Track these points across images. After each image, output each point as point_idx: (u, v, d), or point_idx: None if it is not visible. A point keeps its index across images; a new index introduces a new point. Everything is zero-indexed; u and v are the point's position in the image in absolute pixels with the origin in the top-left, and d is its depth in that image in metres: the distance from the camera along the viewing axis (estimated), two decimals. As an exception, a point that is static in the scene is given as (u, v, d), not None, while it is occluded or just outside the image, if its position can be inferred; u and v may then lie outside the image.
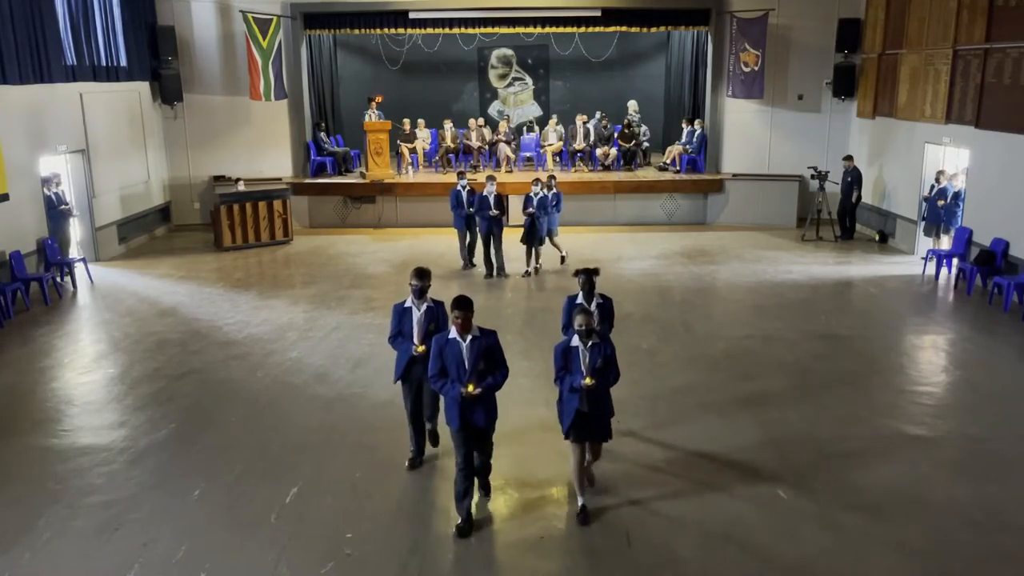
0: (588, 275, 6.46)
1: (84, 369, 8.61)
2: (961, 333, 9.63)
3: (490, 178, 11.84)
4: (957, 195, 12.21)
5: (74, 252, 12.54)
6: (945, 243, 12.52)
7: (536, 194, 11.85)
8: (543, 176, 12.83)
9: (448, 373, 5.41)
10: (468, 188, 12.12)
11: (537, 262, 12.24)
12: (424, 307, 6.09)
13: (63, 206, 12.15)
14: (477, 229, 12.17)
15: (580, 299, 6.44)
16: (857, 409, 7.40)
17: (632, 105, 18.05)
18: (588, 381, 5.38)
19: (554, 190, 12.11)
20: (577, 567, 5.14)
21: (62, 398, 7.84)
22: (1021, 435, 6.88)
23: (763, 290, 11.46)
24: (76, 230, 12.83)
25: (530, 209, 11.79)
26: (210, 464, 6.45)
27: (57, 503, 5.86)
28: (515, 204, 14.10)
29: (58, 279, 11.61)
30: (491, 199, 11.69)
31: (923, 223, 12.89)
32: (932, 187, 12.48)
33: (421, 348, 5.92)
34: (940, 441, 6.80)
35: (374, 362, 8.67)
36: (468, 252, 12.54)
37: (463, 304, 5.32)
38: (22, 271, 10.90)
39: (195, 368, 8.57)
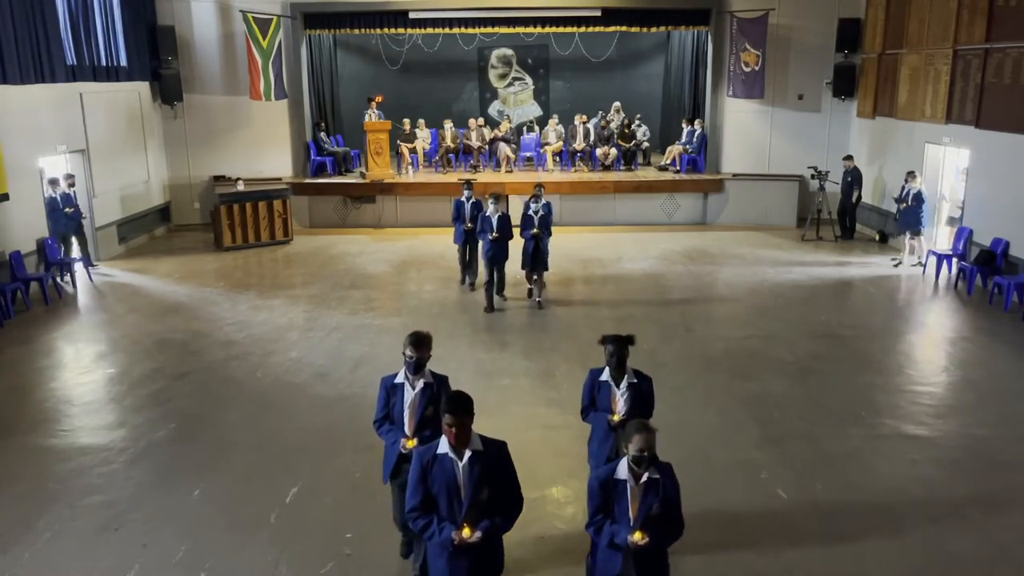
0: (619, 344, 4.92)
1: (84, 369, 8.61)
2: (961, 333, 9.62)
3: (492, 196, 10.32)
4: (918, 196, 12.29)
5: (75, 252, 12.54)
6: (916, 246, 12.62)
7: (536, 211, 10.42)
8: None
9: (434, 507, 3.75)
10: (472, 199, 11.02)
11: (539, 295, 10.64)
12: (420, 385, 4.65)
13: (68, 208, 12.04)
14: (479, 250, 10.77)
15: (607, 376, 4.99)
16: (857, 409, 7.40)
17: (615, 105, 18.04)
18: (638, 537, 3.72)
19: (542, 200, 10.70)
20: (577, 567, 5.13)
21: (62, 398, 7.83)
22: (1021, 435, 6.88)
23: (763, 290, 11.46)
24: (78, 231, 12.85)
25: (533, 230, 10.33)
26: (210, 464, 6.45)
27: (57, 503, 5.86)
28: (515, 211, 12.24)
29: (58, 279, 11.60)
30: (494, 220, 10.20)
31: (896, 226, 13.00)
32: (902, 188, 12.53)
33: (412, 443, 4.55)
34: (940, 441, 6.79)
35: (374, 362, 8.66)
36: (468, 270, 11.43)
37: (458, 406, 3.68)
38: (22, 271, 10.90)
39: (195, 368, 8.57)
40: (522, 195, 15.69)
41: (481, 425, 3.88)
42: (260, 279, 12.40)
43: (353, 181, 16.14)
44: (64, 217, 12.03)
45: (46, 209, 12.08)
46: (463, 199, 11.03)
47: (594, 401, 5.00)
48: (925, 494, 5.92)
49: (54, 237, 12.02)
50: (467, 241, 11.11)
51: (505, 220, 10.19)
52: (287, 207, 14.80)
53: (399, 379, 4.69)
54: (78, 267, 12.01)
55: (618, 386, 4.96)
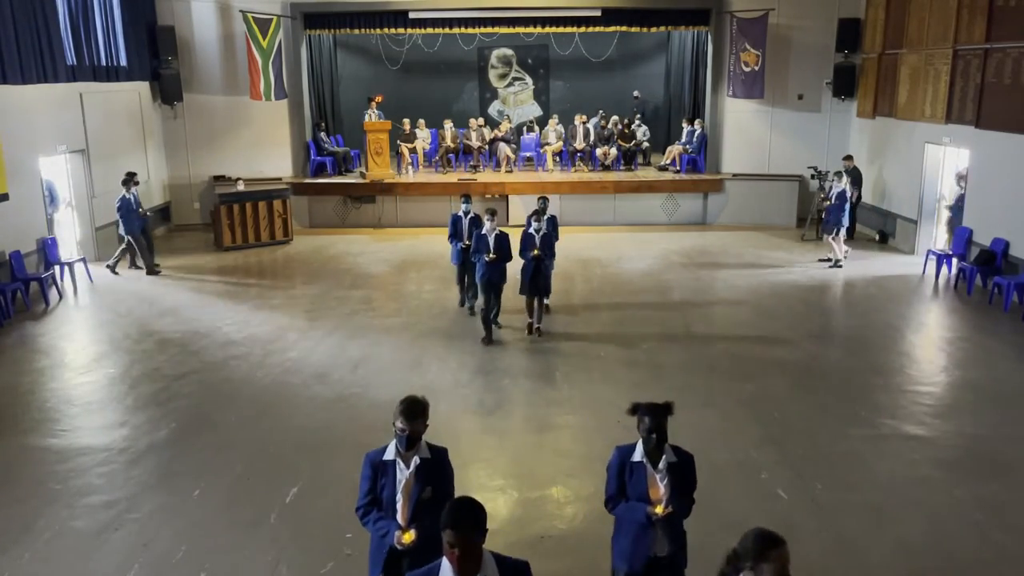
0: (656, 415, 3.90)
1: (84, 369, 8.61)
2: (961, 333, 9.62)
3: (488, 212, 9.09)
4: (842, 195, 12.34)
5: (74, 252, 12.55)
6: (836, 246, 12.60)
7: (539, 229, 9.24)
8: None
9: None
10: (471, 214, 9.94)
11: (539, 321, 9.48)
12: (415, 462, 3.80)
13: (142, 209, 12.51)
14: (475, 273, 9.42)
15: (640, 456, 4.00)
16: (857, 409, 7.40)
17: (600, 113, 18.04)
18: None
19: (547, 215, 9.65)
20: (577, 567, 5.14)
21: (62, 398, 7.83)
22: (1021, 435, 6.88)
23: (763, 290, 11.46)
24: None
25: (534, 251, 9.12)
26: (210, 464, 6.44)
27: (57, 503, 5.86)
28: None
29: (58, 279, 11.60)
30: (490, 239, 9.00)
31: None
32: (829, 187, 12.58)
33: (409, 537, 3.73)
34: (940, 441, 6.79)
35: (374, 362, 8.67)
36: (466, 293, 10.35)
37: (461, 520, 2.83)
38: (22, 271, 10.90)
39: (195, 368, 8.57)
40: (522, 195, 15.75)
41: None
42: (260, 279, 12.40)
43: (353, 181, 16.14)
44: (137, 218, 12.32)
45: (121, 209, 12.27)
46: (460, 213, 9.95)
47: (624, 488, 4.02)
48: (925, 494, 5.92)
49: (129, 237, 12.35)
50: (465, 260, 9.90)
51: (503, 240, 9.02)
52: (287, 207, 14.80)
53: (388, 455, 3.83)
54: (78, 267, 12.01)
55: (656, 467, 3.95)
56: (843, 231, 12.55)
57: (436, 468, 3.83)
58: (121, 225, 12.44)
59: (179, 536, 5.42)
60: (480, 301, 9.43)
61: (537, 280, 9.22)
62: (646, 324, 9.92)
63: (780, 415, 7.28)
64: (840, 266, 12.55)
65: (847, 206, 12.44)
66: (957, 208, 12.26)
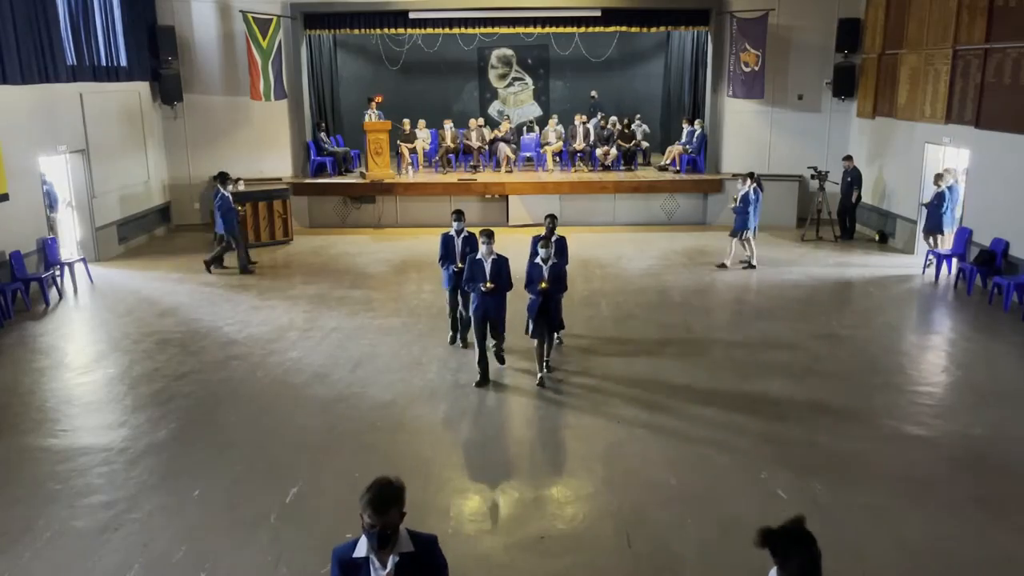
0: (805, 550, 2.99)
1: (84, 369, 8.61)
2: (961, 333, 9.63)
3: (484, 235, 7.86)
4: (745, 198, 12.28)
5: (74, 252, 12.55)
6: (735, 246, 12.54)
7: (547, 258, 7.88)
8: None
9: None
10: (464, 233, 8.67)
11: (548, 368, 8.14)
12: (393, 560, 3.08)
13: (239, 208, 12.70)
14: (470, 303, 8.19)
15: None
16: (857, 409, 7.40)
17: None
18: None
19: (554, 239, 8.42)
20: (577, 567, 5.14)
21: (62, 398, 7.83)
22: (1021, 435, 6.88)
23: (763, 290, 11.46)
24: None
25: (541, 284, 7.79)
26: (210, 464, 6.45)
27: (57, 503, 5.86)
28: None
29: (58, 279, 11.59)
30: (487, 265, 7.80)
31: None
32: (745, 195, 12.45)
33: None
34: (940, 441, 6.79)
35: (374, 362, 8.67)
36: (459, 326, 9.06)
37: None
38: (22, 271, 10.90)
39: (195, 368, 8.57)
40: (523, 195, 15.76)
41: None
42: (260, 279, 12.40)
43: (353, 181, 16.14)
44: (236, 216, 12.37)
45: (221, 207, 12.29)
46: (452, 233, 8.71)
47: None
48: (925, 494, 5.92)
49: (227, 236, 12.40)
50: (458, 285, 8.62)
51: (502, 266, 7.83)
52: (287, 207, 14.80)
53: (360, 551, 3.09)
54: (78, 267, 12.01)
55: None
56: (750, 232, 12.42)
57: (422, 566, 3.11)
58: (219, 223, 12.48)
59: (179, 536, 5.42)
60: (473, 335, 8.12)
61: (547, 317, 7.88)
62: (646, 323, 9.92)
63: (780, 415, 7.28)
64: (753, 267, 12.51)
65: (751, 209, 12.29)
66: (934, 206, 12.21)
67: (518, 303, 8.56)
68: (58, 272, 11.62)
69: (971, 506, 5.74)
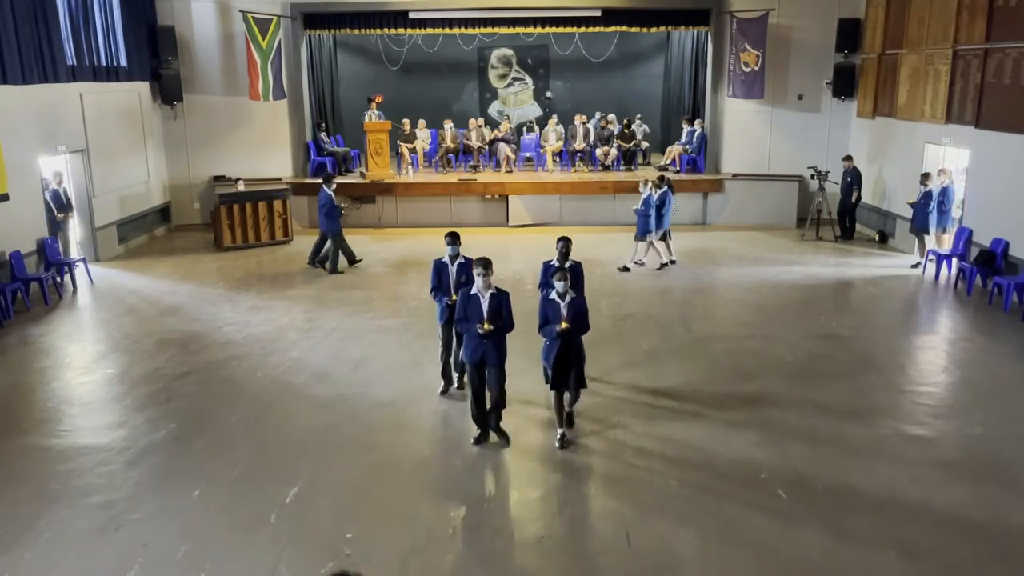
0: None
1: (84, 369, 8.61)
2: (961, 333, 9.63)
3: (481, 265, 6.47)
4: (647, 200, 12.23)
5: (74, 252, 12.55)
6: (645, 248, 12.47)
7: (564, 292, 6.47)
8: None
9: None
10: (460, 260, 7.44)
11: (571, 423, 6.91)
12: None
13: (344, 206, 12.70)
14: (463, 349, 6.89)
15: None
16: (857, 409, 7.40)
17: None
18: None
19: (569, 261, 7.36)
20: (577, 567, 5.14)
21: (62, 398, 7.84)
22: (1021, 435, 6.88)
23: (763, 290, 11.46)
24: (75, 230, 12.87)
25: (560, 325, 6.42)
26: (210, 464, 6.45)
27: (57, 503, 5.86)
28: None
29: (58, 279, 11.60)
30: (484, 302, 6.47)
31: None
32: (649, 194, 12.34)
33: None
34: (940, 441, 6.79)
35: (374, 362, 8.67)
36: (451, 371, 7.78)
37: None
38: (22, 271, 10.90)
39: (195, 368, 8.57)
40: (523, 195, 15.76)
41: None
42: (260, 279, 12.40)
43: (353, 181, 16.14)
44: (340, 215, 12.35)
45: (325, 206, 12.26)
46: (445, 259, 7.49)
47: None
48: (925, 494, 5.92)
49: (330, 235, 12.38)
50: (452, 319, 7.22)
51: (502, 302, 6.50)
52: (287, 207, 14.80)
53: None
54: (78, 267, 12.01)
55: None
56: (653, 236, 12.38)
57: None
58: (323, 222, 12.47)
59: (179, 536, 5.42)
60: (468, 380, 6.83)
61: (568, 362, 6.52)
62: (646, 323, 9.92)
63: (780, 415, 7.28)
64: (666, 265, 12.53)
65: (652, 211, 12.23)
66: (920, 205, 12.22)
67: (526, 344, 7.61)
68: (57, 274, 11.63)
69: (971, 506, 5.74)
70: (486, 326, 6.37)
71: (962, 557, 5.18)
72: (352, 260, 12.80)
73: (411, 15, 15.92)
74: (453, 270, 7.47)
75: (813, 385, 8.01)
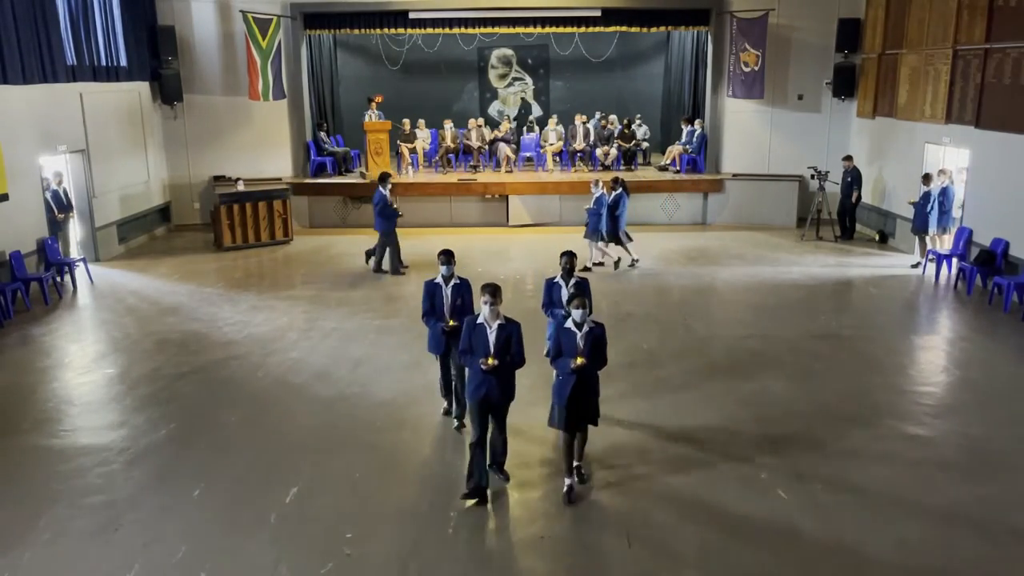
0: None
1: (84, 369, 8.61)
2: (961, 333, 9.63)
3: (488, 292, 5.69)
4: (599, 200, 12.07)
5: (74, 252, 12.56)
6: (598, 250, 12.37)
7: (582, 322, 5.71)
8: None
9: None
10: (455, 281, 6.71)
11: (580, 458, 6.06)
12: None
13: (398, 208, 12.27)
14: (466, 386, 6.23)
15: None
16: (857, 409, 7.40)
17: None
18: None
19: (575, 278, 7.05)
20: (577, 567, 5.14)
21: (62, 398, 7.84)
22: (1021, 435, 6.88)
23: (763, 290, 11.46)
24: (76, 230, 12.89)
25: (576, 361, 5.64)
26: (210, 464, 6.45)
27: (57, 503, 5.86)
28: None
29: (58, 279, 11.60)
30: (491, 335, 5.73)
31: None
32: (598, 197, 12.16)
33: None
34: (940, 441, 6.79)
35: (374, 362, 8.67)
36: (455, 400, 7.06)
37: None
38: (22, 271, 10.90)
39: (195, 368, 8.57)
40: (523, 195, 15.75)
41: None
42: (260, 279, 12.40)
43: (353, 181, 16.14)
44: (395, 216, 12.13)
45: (378, 205, 12.08)
46: (438, 280, 6.75)
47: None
48: (925, 494, 5.92)
49: (385, 236, 12.16)
50: (450, 349, 6.76)
51: (511, 333, 5.73)
52: (287, 207, 14.80)
53: None
54: (78, 267, 12.01)
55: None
56: (600, 235, 12.16)
57: None
58: (378, 223, 12.22)
59: (179, 536, 5.42)
60: (470, 431, 6.07)
61: (582, 402, 5.80)
62: (646, 323, 9.92)
63: (780, 415, 7.28)
64: (630, 266, 12.45)
65: (604, 211, 12.02)
66: (920, 205, 12.22)
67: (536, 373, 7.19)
68: (58, 274, 11.63)
69: (971, 506, 5.74)
70: (490, 361, 5.65)
71: (962, 557, 5.18)
72: (396, 268, 12.34)
73: (411, 15, 15.93)
74: (448, 292, 6.72)
75: (813, 385, 8.01)
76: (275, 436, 6.96)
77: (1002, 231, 10.84)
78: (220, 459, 6.53)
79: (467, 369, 6.02)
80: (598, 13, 15.90)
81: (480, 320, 5.79)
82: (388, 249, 12.37)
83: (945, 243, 12.33)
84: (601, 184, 12.23)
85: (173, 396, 7.82)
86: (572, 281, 6.98)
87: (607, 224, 12.16)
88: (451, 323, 6.66)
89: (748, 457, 6.48)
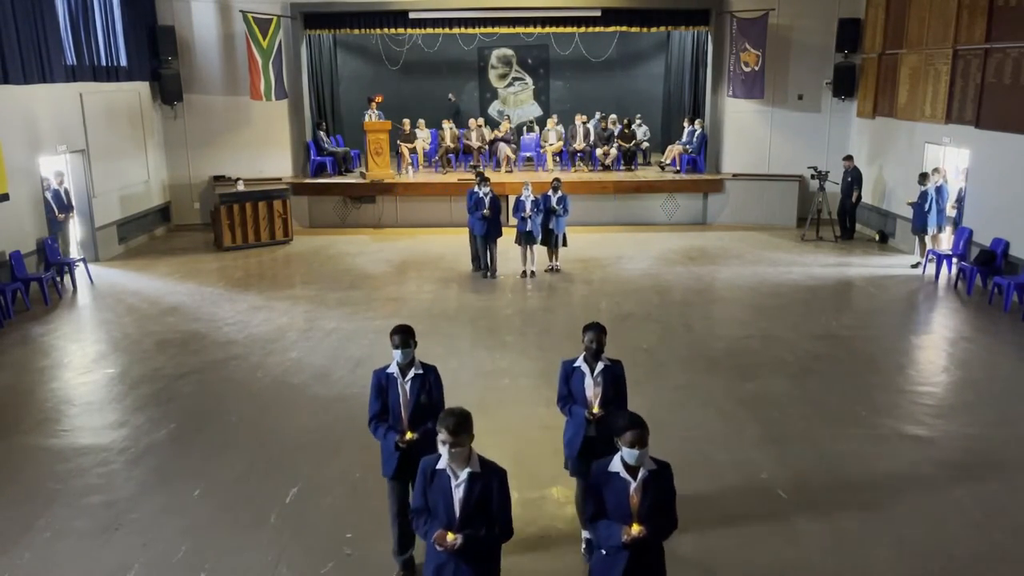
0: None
1: (84, 369, 8.61)
2: (961, 333, 9.62)
3: (450, 422, 3.64)
4: (536, 203, 11.86)
5: (74, 252, 12.56)
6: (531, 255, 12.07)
7: (638, 464, 3.93)
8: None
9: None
10: (416, 370, 4.92)
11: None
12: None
13: (486, 210, 11.74)
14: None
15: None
16: (857, 409, 7.40)
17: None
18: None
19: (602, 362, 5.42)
20: (577, 567, 5.14)
21: (62, 398, 7.83)
22: (1021, 435, 6.88)
23: (763, 290, 11.46)
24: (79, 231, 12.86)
25: (635, 527, 3.55)
26: (210, 464, 6.45)
27: (57, 503, 5.86)
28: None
29: (58, 279, 11.60)
30: (457, 487, 3.70)
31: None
32: (541, 199, 12.02)
33: None
34: (940, 441, 6.79)
35: (374, 362, 8.64)
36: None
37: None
38: (22, 271, 10.90)
39: (195, 368, 8.57)
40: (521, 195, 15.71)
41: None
42: (260, 279, 12.40)
43: (353, 181, 16.15)
44: (484, 218, 11.80)
45: (471, 205, 11.90)
46: (391, 369, 5.08)
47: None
48: (925, 494, 5.92)
49: (481, 237, 11.91)
50: (409, 474, 4.97)
51: (491, 492, 3.93)
52: (287, 207, 14.80)
53: None
54: (78, 267, 12.01)
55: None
56: (536, 240, 11.97)
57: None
58: (477, 226, 11.95)
59: (179, 536, 5.42)
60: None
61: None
62: (646, 323, 9.92)
63: (780, 415, 7.28)
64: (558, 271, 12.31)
65: (539, 217, 11.84)
66: (918, 205, 12.22)
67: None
68: (58, 274, 11.63)
69: (971, 506, 5.74)
70: (450, 537, 3.61)
71: (962, 557, 5.17)
72: (487, 269, 12.11)
73: (411, 15, 15.93)
74: (406, 387, 4.84)
75: (813, 385, 8.01)
76: (275, 436, 6.95)
77: (1002, 231, 10.84)
78: (220, 459, 6.53)
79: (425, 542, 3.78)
80: (598, 13, 15.90)
81: (441, 465, 3.72)
82: (489, 250, 12.06)
83: (942, 242, 12.33)
84: (528, 189, 11.87)
85: (173, 396, 7.82)
86: (598, 368, 4.91)
87: (521, 225, 11.90)
88: (409, 435, 4.75)
89: (748, 456, 6.48)
